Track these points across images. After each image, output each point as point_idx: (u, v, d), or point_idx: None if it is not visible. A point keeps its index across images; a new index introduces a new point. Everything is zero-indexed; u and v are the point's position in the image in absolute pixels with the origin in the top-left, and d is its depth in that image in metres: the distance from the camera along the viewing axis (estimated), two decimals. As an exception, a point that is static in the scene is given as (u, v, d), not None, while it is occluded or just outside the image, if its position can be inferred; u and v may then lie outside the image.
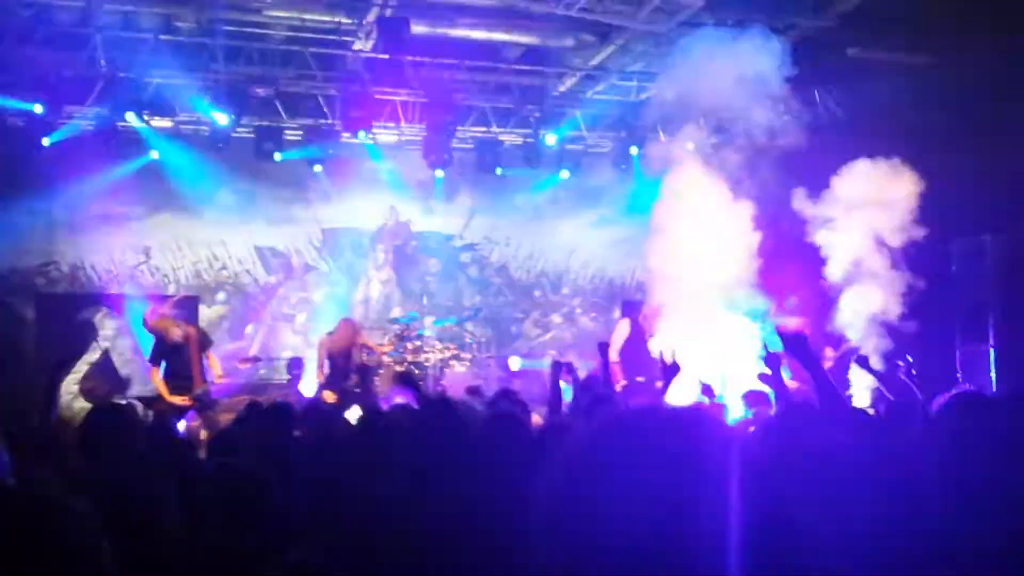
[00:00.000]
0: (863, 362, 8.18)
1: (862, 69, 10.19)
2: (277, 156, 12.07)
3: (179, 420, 8.49)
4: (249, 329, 13.24)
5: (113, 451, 3.69)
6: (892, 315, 8.50)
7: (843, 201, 8.57)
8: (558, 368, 6.02)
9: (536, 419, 5.82)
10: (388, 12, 9.94)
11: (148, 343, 9.26)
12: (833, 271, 8.74)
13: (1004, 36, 8.21)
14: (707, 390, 6.15)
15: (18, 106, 10.67)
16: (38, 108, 10.69)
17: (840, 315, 8.78)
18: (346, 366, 9.69)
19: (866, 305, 8.63)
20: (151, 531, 2.70)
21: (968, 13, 8.17)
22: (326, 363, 9.83)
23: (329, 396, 9.48)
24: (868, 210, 8.49)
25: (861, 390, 8.35)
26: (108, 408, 4.35)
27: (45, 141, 11.06)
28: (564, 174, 13.49)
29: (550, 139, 12.83)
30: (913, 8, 8.70)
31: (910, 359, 8.39)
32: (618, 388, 8.24)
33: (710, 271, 8.70)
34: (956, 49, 8.70)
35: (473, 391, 6.72)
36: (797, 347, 3.61)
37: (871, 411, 6.57)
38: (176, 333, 8.77)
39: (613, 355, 9.42)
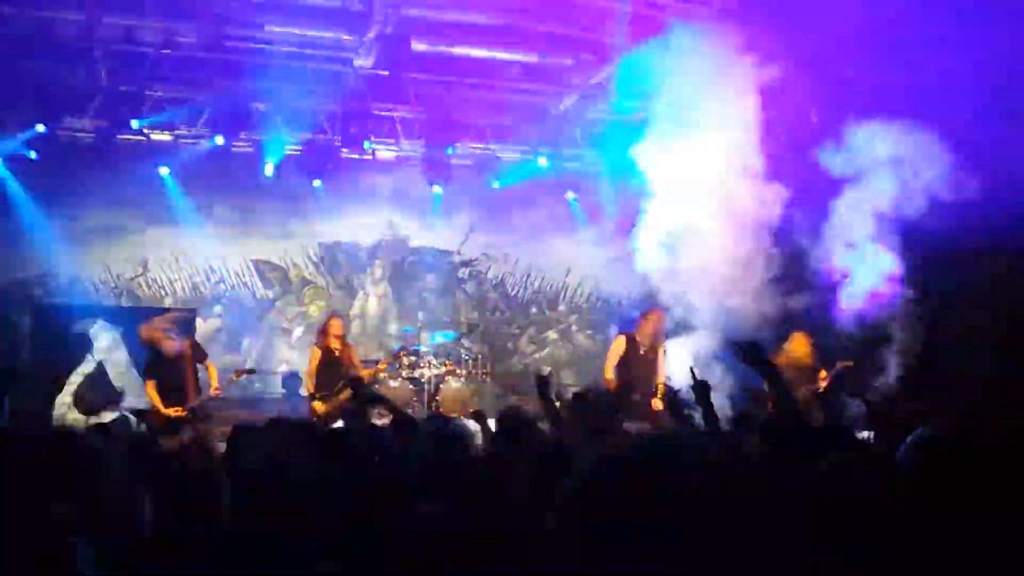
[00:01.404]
0: (841, 380, 8.27)
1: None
2: (269, 170, 12.21)
3: (173, 433, 8.47)
4: (245, 343, 13.24)
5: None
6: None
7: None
8: (545, 384, 5.98)
9: None
10: (389, 29, 9.98)
11: (143, 355, 9.27)
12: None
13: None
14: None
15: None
16: (40, 127, 10.81)
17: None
18: (339, 377, 9.62)
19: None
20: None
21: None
22: (316, 374, 9.73)
23: (320, 407, 9.43)
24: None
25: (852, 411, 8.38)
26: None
27: (32, 155, 11.17)
28: (570, 194, 13.74)
29: (542, 161, 12.88)
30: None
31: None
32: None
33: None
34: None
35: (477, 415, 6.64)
36: (752, 357, 3.59)
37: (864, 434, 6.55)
38: (169, 345, 8.74)
39: (609, 373, 9.45)
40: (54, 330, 11.48)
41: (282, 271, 13.50)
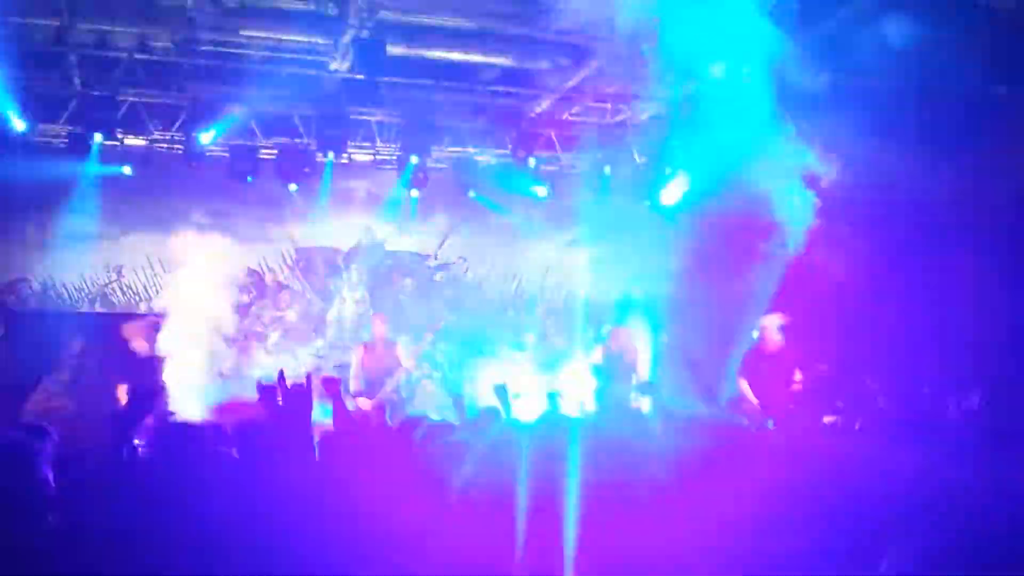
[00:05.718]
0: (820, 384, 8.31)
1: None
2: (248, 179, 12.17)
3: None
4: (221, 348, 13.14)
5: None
6: None
7: None
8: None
9: None
10: (364, 33, 9.97)
11: (115, 360, 9.22)
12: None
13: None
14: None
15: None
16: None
17: None
18: (381, 369, 9.71)
19: None
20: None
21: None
22: (361, 372, 9.73)
23: (364, 404, 9.41)
24: None
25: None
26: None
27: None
28: (541, 191, 13.59)
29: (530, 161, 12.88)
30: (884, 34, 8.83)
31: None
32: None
33: None
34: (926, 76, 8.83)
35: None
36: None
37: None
38: (141, 345, 8.72)
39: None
40: (28, 337, 11.36)
41: (258, 276, 13.43)
